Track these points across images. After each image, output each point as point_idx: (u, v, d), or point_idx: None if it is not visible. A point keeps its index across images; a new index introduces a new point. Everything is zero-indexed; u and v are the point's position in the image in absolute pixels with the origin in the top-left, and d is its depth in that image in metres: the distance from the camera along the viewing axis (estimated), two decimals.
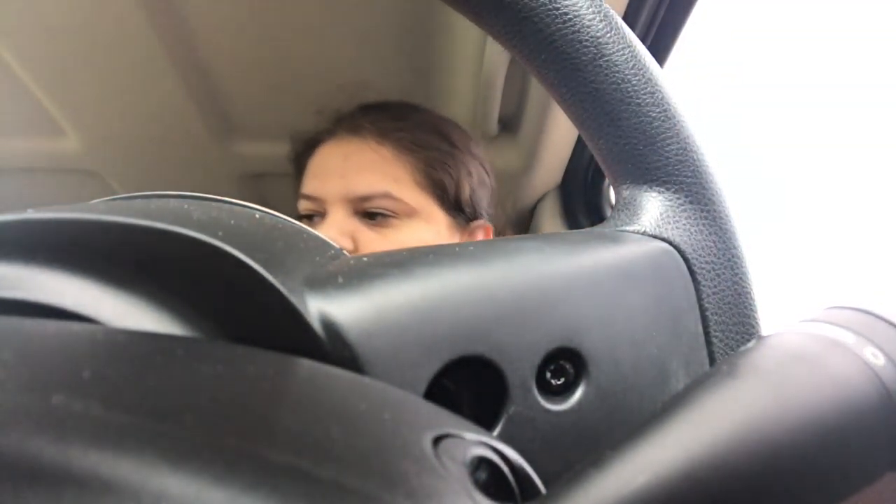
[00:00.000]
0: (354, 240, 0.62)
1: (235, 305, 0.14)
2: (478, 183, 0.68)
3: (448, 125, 0.68)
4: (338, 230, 0.61)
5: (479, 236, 0.69)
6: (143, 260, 0.14)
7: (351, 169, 0.63)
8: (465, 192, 0.66)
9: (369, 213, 0.63)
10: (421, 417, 0.12)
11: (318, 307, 0.14)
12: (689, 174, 0.23)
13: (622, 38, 0.23)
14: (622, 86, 0.22)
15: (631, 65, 0.23)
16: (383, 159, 0.63)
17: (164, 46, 0.65)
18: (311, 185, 0.65)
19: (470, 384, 0.16)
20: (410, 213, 0.63)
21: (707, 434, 0.12)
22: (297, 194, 0.71)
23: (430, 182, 0.64)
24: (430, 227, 0.64)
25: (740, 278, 0.22)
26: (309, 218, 0.66)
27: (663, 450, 0.11)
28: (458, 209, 0.67)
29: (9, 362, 0.10)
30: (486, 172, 0.70)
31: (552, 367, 0.17)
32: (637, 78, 0.23)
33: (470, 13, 0.23)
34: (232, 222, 0.16)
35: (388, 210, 0.62)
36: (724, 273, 0.22)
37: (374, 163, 0.63)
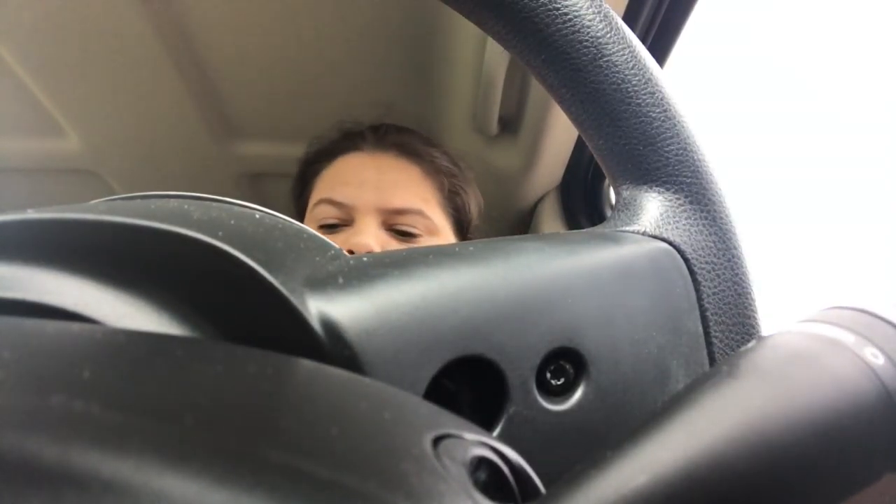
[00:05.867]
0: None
1: (235, 305, 0.14)
2: (477, 209, 0.74)
3: (458, 155, 0.73)
4: (374, 239, 0.62)
5: None
6: (143, 260, 0.14)
7: (386, 182, 0.65)
8: (473, 218, 0.72)
9: (397, 230, 0.64)
10: (421, 417, 0.12)
11: (318, 307, 0.14)
12: (690, 174, 0.23)
13: (622, 38, 0.23)
14: (622, 86, 0.22)
15: (631, 65, 0.23)
16: (415, 178, 0.67)
17: (164, 47, 0.65)
18: (341, 191, 0.65)
19: (470, 384, 0.16)
20: (433, 233, 0.66)
21: (707, 434, 0.12)
22: (299, 200, 0.72)
23: (451, 205, 0.69)
24: None
25: (740, 278, 0.22)
26: (331, 227, 0.65)
27: (663, 450, 0.11)
28: (465, 232, 0.72)
29: (8, 362, 0.10)
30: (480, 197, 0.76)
31: (552, 367, 0.17)
32: (637, 78, 0.23)
33: (470, 13, 0.23)
34: (232, 222, 0.16)
35: (416, 228, 0.65)
36: (724, 273, 0.22)
37: (409, 180, 0.66)
